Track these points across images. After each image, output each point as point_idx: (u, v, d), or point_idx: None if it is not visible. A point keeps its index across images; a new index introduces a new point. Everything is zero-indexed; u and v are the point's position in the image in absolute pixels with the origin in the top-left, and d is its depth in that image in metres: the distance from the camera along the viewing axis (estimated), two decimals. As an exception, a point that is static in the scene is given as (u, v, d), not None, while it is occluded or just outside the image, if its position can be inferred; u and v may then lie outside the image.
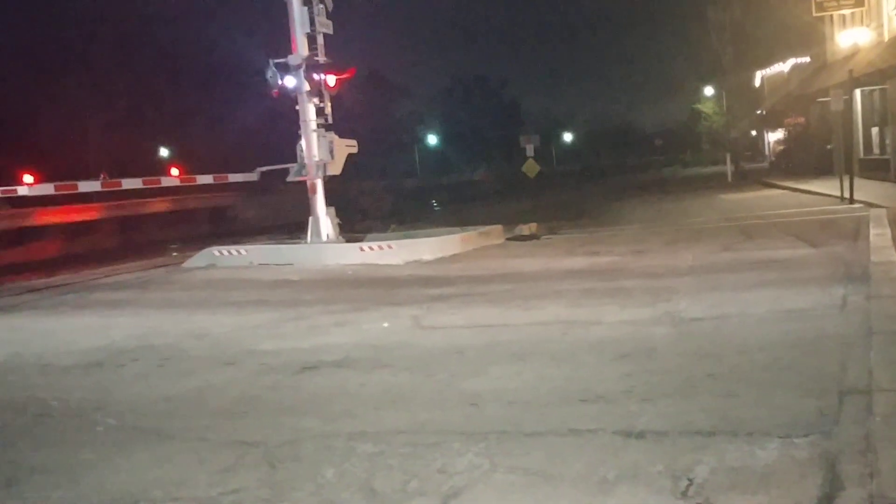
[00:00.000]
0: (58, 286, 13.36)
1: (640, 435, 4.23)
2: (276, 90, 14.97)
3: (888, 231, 11.83)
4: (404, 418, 4.85)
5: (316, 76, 14.84)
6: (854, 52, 26.67)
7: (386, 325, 7.95)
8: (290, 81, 14.87)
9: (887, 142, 25.09)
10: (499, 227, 16.37)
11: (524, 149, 29.67)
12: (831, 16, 28.69)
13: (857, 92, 24.91)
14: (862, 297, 7.22)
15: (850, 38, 27.72)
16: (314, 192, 15.24)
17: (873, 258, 9.40)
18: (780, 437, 4.00)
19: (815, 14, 28.00)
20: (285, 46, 14.96)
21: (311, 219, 15.34)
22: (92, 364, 7.05)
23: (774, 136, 49.46)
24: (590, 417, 4.59)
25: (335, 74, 14.87)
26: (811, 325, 6.38)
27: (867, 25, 26.67)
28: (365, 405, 5.19)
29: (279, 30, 15.32)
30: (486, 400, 5.08)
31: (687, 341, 6.26)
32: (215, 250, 15.47)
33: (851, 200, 17.62)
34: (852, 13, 27.57)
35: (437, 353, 6.49)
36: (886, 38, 24.47)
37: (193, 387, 6.01)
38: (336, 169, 15.39)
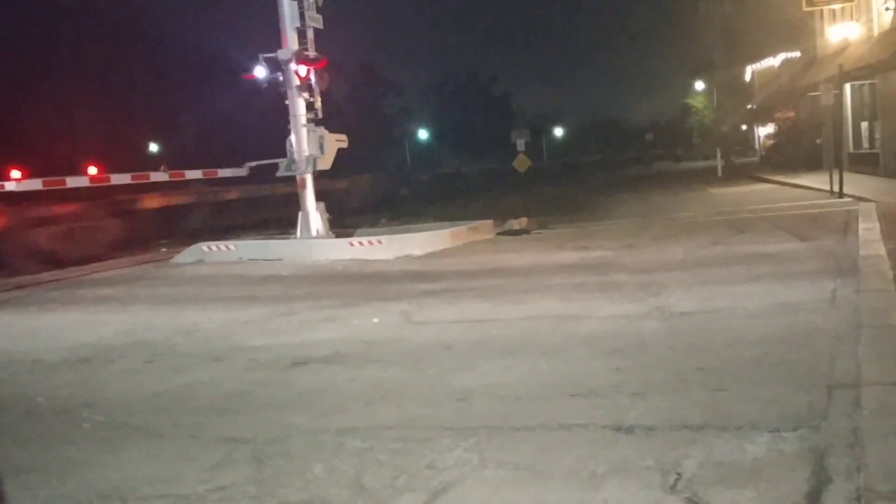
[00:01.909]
0: (46, 282, 13.29)
1: (630, 429, 4.23)
2: (265, 84, 14.92)
3: (877, 225, 11.87)
4: (394, 414, 4.84)
5: (304, 69, 14.76)
6: (844, 47, 26.74)
7: (376, 320, 7.93)
8: (279, 76, 14.82)
9: (876, 136, 25.18)
10: (489, 221, 16.37)
11: (514, 143, 29.64)
12: (821, 10, 28.77)
13: (847, 86, 24.99)
14: (851, 291, 7.24)
15: (840, 32, 27.79)
16: (304, 187, 15.19)
17: (862, 252, 9.43)
18: (769, 432, 4.01)
19: (805, 9, 28.06)
20: (275, 41, 14.90)
21: (300, 214, 15.29)
22: (80, 361, 7.01)
23: (765, 131, 49.63)
24: (580, 412, 4.59)
25: (306, 65, 14.73)
26: (801, 319, 6.39)
27: (857, 20, 26.73)
28: (354, 401, 5.17)
29: (269, 25, 15.27)
30: (475, 395, 5.07)
31: (677, 336, 6.26)
32: (204, 246, 15.43)
33: (841, 194, 17.67)
34: (842, 8, 27.63)
35: (427, 349, 6.48)
36: (876, 32, 24.54)
37: (182, 383, 5.99)
38: (326, 164, 15.36)
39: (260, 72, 14.85)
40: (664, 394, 4.78)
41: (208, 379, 6.07)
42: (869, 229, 11.46)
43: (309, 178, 15.17)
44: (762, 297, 7.43)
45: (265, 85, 15.05)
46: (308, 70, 14.71)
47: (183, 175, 18.83)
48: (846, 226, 12.38)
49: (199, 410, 5.26)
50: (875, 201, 15.69)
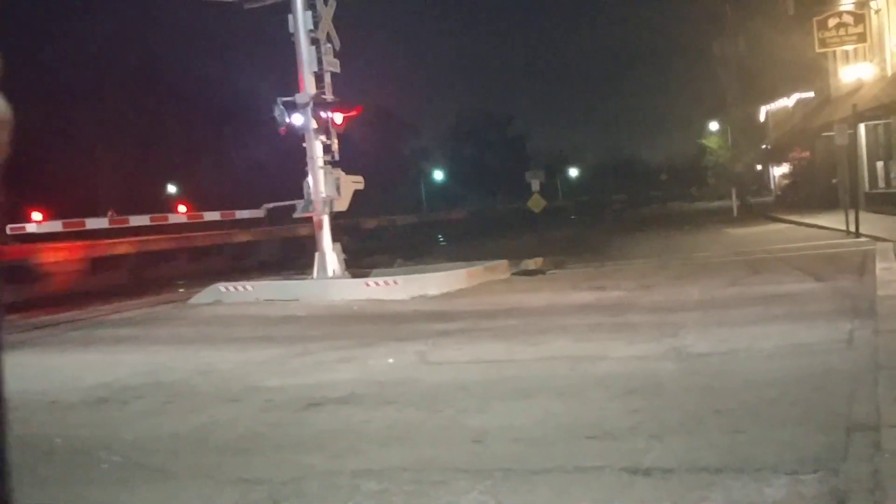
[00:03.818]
0: (65, 322, 13.40)
1: (647, 472, 4.19)
2: (283, 128, 15.14)
3: (895, 265, 11.79)
4: (409, 455, 4.83)
5: (323, 114, 15.01)
6: (858, 87, 26.83)
7: (391, 360, 7.94)
8: (297, 119, 15.05)
9: (892, 175, 25.15)
10: (504, 261, 16.40)
11: (529, 184, 29.85)
12: (834, 52, 28.92)
13: (862, 126, 25.02)
14: (869, 332, 7.18)
15: (854, 73, 27.92)
16: (320, 228, 15.32)
17: (880, 292, 9.35)
18: (788, 474, 3.97)
19: (818, 50, 28.22)
20: (293, 85, 15.16)
21: (317, 254, 15.40)
22: (97, 401, 7.04)
23: (780, 171, 49.62)
24: (596, 454, 4.56)
25: (342, 112, 15.04)
26: (818, 360, 6.34)
27: (870, 61, 26.85)
28: (370, 442, 5.17)
29: (287, 68, 15.54)
30: (491, 437, 5.05)
31: (694, 377, 6.23)
32: (221, 286, 15.52)
33: (857, 234, 17.60)
34: (855, 49, 27.78)
35: (443, 390, 6.47)
36: (889, 73, 24.63)
37: (199, 424, 6.00)
38: (343, 205, 15.51)
39: (297, 119, 15.04)
40: (681, 436, 4.75)
41: (224, 419, 6.08)
42: (886, 269, 11.38)
43: (326, 219, 15.30)
44: (779, 337, 7.39)
45: (282, 128, 15.28)
46: (344, 118, 15.03)
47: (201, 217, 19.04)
48: (863, 266, 12.31)
49: (215, 451, 5.27)
50: (892, 241, 15.58)
